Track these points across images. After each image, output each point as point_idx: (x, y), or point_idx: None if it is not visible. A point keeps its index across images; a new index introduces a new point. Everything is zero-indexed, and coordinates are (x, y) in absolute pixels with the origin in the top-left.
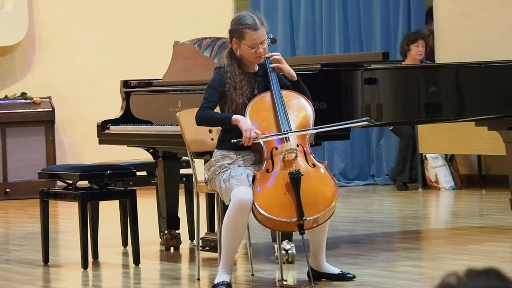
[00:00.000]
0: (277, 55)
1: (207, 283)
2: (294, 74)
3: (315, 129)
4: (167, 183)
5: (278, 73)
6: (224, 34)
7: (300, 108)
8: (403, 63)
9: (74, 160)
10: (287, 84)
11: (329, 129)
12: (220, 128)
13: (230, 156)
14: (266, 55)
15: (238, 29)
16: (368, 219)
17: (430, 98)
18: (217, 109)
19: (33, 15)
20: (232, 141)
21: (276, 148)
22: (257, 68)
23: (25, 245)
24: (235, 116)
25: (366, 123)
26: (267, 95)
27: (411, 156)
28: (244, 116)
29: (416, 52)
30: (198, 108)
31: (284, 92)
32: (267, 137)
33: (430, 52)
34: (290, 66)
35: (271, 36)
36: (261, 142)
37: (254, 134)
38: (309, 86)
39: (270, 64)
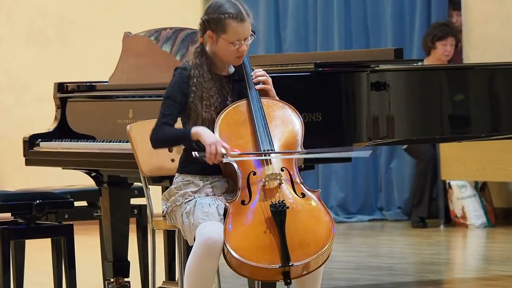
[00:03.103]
0: (263, 77)
1: None
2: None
3: (304, 152)
4: (113, 217)
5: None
6: (189, 23)
7: (285, 122)
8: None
9: None
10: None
11: (323, 156)
12: (182, 147)
13: (195, 183)
14: (252, 74)
15: (218, 19)
16: (374, 265)
17: (456, 109)
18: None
19: None
20: (193, 153)
21: (255, 173)
22: (232, 70)
23: None
24: (194, 129)
25: (368, 155)
26: (242, 105)
27: (431, 184)
28: (213, 132)
29: (443, 52)
30: (154, 122)
31: (265, 101)
32: (240, 155)
33: (456, 50)
34: (275, 65)
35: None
36: (234, 164)
37: (222, 149)
38: (300, 92)
39: (248, 65)
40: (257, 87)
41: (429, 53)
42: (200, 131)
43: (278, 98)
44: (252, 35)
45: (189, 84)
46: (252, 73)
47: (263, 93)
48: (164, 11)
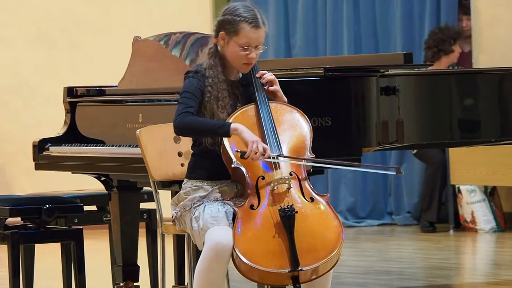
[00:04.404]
0: (270, 76)
1: None
2: (286, 100)
3: (317, 161)
4: (123, 221)
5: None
6: (197, 27)
7: (293, 126)
8: (430, 68)
9: (2, 191)
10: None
11: (339, 167)
12: (190, 151)
13: (204, 188)
14: (258, 75)
15: (232, 20)
16: (383, 269)
17: (465, 114)
18: None
19: None
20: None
21: (263, 178)
22: (240, 75)
23: None
24: (235, 125)
25: (394, 173)
26: (250, 109)
27: (440, 188)
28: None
29: (457, 54)
30: (163, 127)
31: (273, 105)
32: (278, 157)
33: (465, 54)
34: (284, 70)
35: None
36: (243, 169)
37: (262, 149)
38: (309, 97)
39: (257, 73)
40: (266, 88)
41: (438, 58)
42: (241, 129)
43: (285, 99)
44: (264, 45)
45: (205, 84)
46: (257, 74)
47: (271, 94)
48: (172, 14)
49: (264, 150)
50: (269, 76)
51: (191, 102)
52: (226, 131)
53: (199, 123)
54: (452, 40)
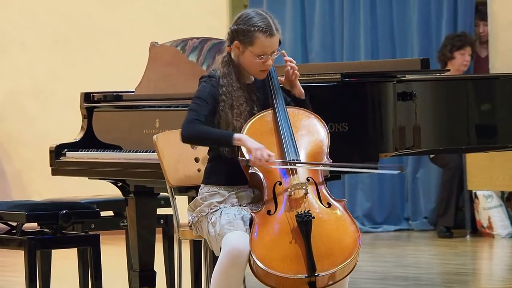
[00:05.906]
0: (292, 62)
1: None
2: (303, 90)
3: (329, 165)
4: (140, 227)
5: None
6: (215, 32)
7: (311, 131)
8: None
9: (19, 196)
10: (287, 99)
11: (348, 170)
12: (207, 156)
13: (221, 193)
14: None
15: (246, 30)
16: (400, 275)
17: (482, 119)
18: None
19: None
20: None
21: (280, 183)
22: (253, 78)
23: None
24: (238, 135)
25: (396, 172)
26: (268, 114)
27: (457, 193)
28: None
29: (462, 61)
30: (180, 127)
31: (290, 110)
32: (283, 163)
33: (482, 60)
34: (301, 75)
35: None
36: (260, 174)
37: (267, 156)
38: (326, 102)
39: (275, 74)
40: (284, 75)
41: (446, 64)
42: (245, 138)
43: (302, 90)
44: (278, 49)
45: (219, 92)
46: (286, 58)
47: (291, 82)
48: (190, 19)
49: (269, 156)
50: (291, 63)
51: (201, 109)
52: (229, 142)
53: (204, 132)
54: (453, 47)
